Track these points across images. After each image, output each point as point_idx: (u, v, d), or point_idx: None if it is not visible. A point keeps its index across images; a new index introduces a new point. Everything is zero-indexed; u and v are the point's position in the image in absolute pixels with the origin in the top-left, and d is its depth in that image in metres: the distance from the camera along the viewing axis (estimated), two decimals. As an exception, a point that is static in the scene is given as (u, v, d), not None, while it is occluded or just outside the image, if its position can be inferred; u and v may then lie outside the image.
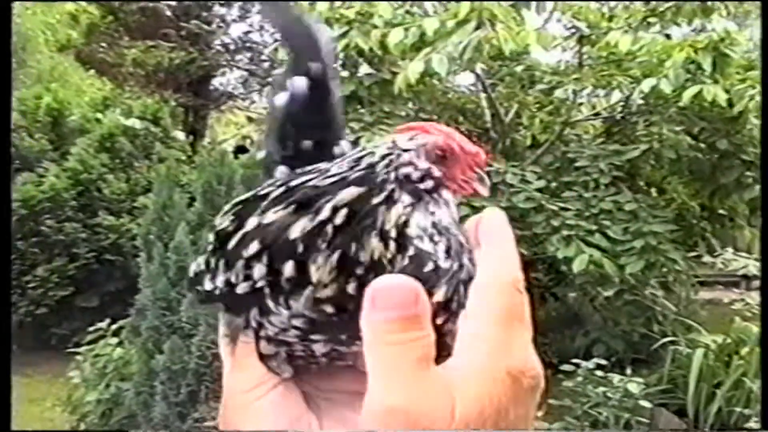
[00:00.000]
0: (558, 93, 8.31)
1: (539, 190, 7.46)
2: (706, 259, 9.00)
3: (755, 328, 7.48)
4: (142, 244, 7.04)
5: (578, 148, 8.44)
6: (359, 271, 0.70)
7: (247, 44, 22.03)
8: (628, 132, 8.70)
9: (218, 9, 22.11)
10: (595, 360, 6.85)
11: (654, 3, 7.88)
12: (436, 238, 0.73)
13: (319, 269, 0.69)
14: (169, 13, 20.74)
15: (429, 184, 0.76)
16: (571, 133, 9.13)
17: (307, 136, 0.88)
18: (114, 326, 7.45)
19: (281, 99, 0.88)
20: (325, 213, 0.70)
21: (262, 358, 0.77)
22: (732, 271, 9.15)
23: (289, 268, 0.70)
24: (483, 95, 9.08)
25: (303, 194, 0.72)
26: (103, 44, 20.68)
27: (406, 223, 0.72)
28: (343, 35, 7.41)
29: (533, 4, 7.51)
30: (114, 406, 6.86)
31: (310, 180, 0.74)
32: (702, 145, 8.11)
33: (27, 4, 17.66)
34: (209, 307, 0.85)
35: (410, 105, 8.82)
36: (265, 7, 0.84)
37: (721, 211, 8.80)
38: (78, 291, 10.61)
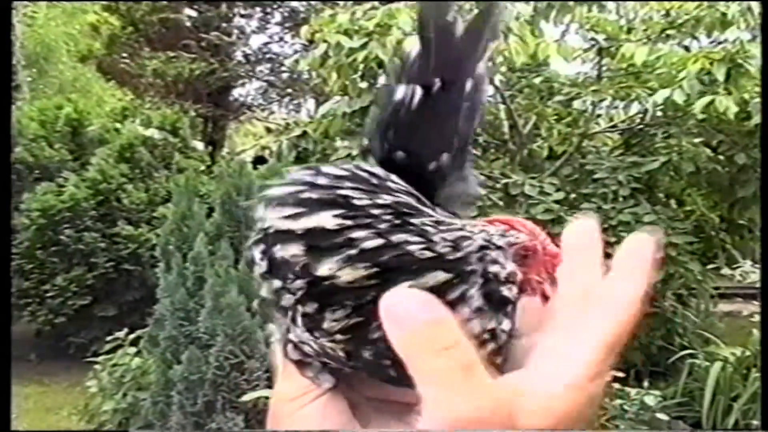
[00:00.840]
0: (576, 105, 8.30)
1: (557, 201, 7.44)
2: (725, 271, 8.96)
3: (775, 341, 7.44)
4: (160, 254, 7.07)
5: (597, 160, 8.42)
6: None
7: (267, 55, 22.17)
8: (646, 144, 8.67)
9: (238, 20, 22.24)
10: (612, 372, 6.82)
11: (673, 15, 7.86)
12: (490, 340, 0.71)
13: (334, 322, 0.69)
14: (189, 24, 20.88)
15: (511, 288, 0.73)
16: (589, 145, 9.11)
17: (403, 148, 0.84)
18: (132, 336, 7.48)
19: (399, 93, 0.83)
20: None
21: (297, 365, 0.75)
22: (751, 284, 9.11)
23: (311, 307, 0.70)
24: (501, 106, 9.08)
25: (398, 261, 0.68)
26: (124, 55, 20.86)
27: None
28: (363, 46, 7.43)
29: (551, 15, 7.51)
30: (131, 415, 6.88)
31: (409, 241, 0.69)
32: (720, 158, 8.08)
33: (49, 15, 17.82)
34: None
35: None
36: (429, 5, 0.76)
37: (741, 222, 8.75)
38: (96, 300, 10.65)
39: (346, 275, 0.67)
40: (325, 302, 0.69)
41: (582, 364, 0.66)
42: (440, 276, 0.68)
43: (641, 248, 0.73)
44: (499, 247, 0.73)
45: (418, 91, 0.81)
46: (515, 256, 0.74)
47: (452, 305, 0.67)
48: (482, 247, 0.72)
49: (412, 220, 0.71)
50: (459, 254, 0.70)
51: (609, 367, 0.67)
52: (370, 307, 0.66)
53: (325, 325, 0.69)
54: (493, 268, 0.71)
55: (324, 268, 0.67)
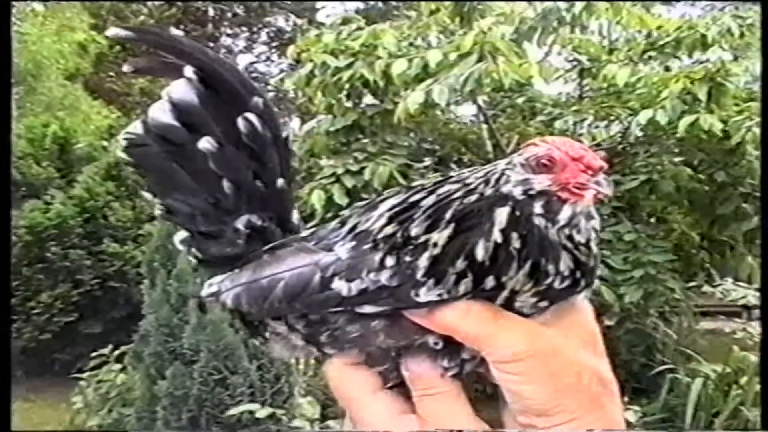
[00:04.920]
0: (558, 124, 8.36)
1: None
2: (707, 289, 9.01)
3: (754, 358, 7.50)
4: (145, 271, 7.09)
5: (579, 179, 8.46)
6: (565, 272, 0.85)
7: (253, 74, 22.22)
8: (629, 163, 8.73)
9: (225, 40, 22.32)
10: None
11: (654, 36, 7.95)
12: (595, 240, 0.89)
13: (512, 279, 0.84)
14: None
15: (536, 194, 0.85)
16: (572, 164, 9.15)
17: (279, 174, 0.99)
18: (117, 352, 7.50)
19: (207, 144, 0.96)
20: (497, 237, 0.83)
21: None
22: (732, 301, 9.17)
23: (490, 282, 0.84)
24: (484, 126, 9.15)
25: (456, 212, 0.85)
26: (111, 74, 20.85)
27: (571, 235, 0.86)
28: (349, 66, 7.50)
29: (535, 37, 7.58)
30: (116, 431, 6.89)
31: (453, 194, 0.86)
32: (701, 176, 8.13)
33: (42, 32, 17.85)
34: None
35: (412, 135, 8.87)
36: (187, 52, 0.99)
37: (722, 238, 8.80)
38: (82, 317, 10.67)
39: (438, 238, 0.85)
40: None
41: None
42: (503, 212, 0.84)
43: None
44: (517, 165, 0.87)
45: (253, 118, 0.97)
46: (536, 167, 0.86)
47: (546, 228, 0.85)
48: (504, 170, 0.87)
49: (440, 179, 0.90)
50: (492, 185, 0.86)
51: None
52: None
53: None
54: (508, 187, 0.86)
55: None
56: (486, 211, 0.84)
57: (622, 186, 7.97)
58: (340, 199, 7.33)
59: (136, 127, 0.98)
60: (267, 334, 0.98)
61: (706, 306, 10.60)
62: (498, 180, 0.86)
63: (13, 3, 17.25)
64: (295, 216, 1.03)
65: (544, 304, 0.87)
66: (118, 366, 7.40)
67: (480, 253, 0.83)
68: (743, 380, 7.44)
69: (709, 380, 7.55)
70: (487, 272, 0.83)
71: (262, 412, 5.38)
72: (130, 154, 1.00)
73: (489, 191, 0.86)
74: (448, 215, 0.84)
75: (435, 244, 0.83)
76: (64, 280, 10.66)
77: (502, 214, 0.84)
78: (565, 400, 0.84)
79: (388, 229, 0.86)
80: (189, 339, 6.25)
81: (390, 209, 0.88)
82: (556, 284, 0.85)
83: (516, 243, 0.83)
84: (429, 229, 0.84)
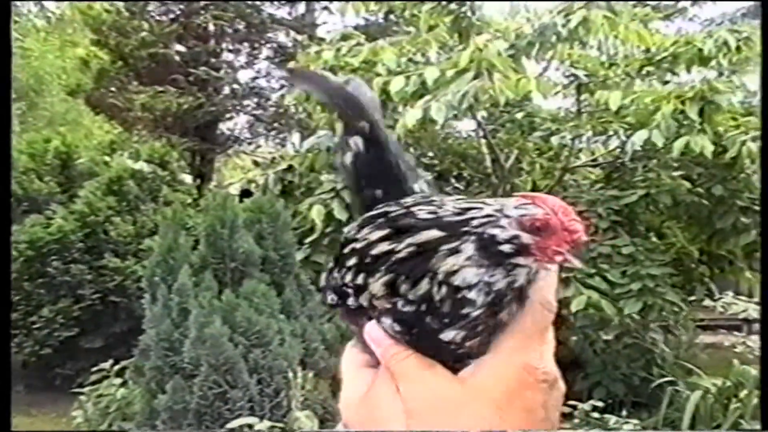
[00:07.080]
0: (557, 139, 8.40)
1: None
2: (708, 303, 9.04)
3: (754, 371, 7.52)
4: (146, 285, 7.10)
5: (577, 194, 8.53)
6: (410, 296, 0.87)
7: (254, 90, 22.27)
8: (627, 178, 8.78)
9: (226, 55, 22.38)
10: (592, 402, 6.89)
11: (653, 51, 7.99)
12: (482, 292, 0.87)
13: (375, 283, 0.88)
14: (178, 59, 20.97)
15: (508, 248, 0.86)
16: (570, 179, 9.22)
17: (376, 185, 1.07)
18: (117, 367, 7.51)
19: (348, 158, 1.08)
20: (401, 245, 0.87)
21: None
22: (732, 315, 9.20)
23: (360, 278, 0.90)
24: (483, 141, 9.19)
25: (406, 222, 0.89)
26: (113, 89, 20.89)
27: (454, 273, 0.86)
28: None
29: (532, 52, 7.63)
30: (115, 445, 6.91)
31: (421, 209, 0.91)
32: (699, 191, 8.18)
33: (44, 47, 17.94)
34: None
35: (411, 150, 8.91)
36: (304, 81, 1.28)
37: (721, 253, 8.83)
38: (83, 332, 10.66)
39: (373, 235, 0.90)
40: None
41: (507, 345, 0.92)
42: (433, 233, 0.87)
43: None
44: (507, 216, 0.87)
45: (358, 140, 1.07)
46: (528, 226, 0.87)
47: (442, 254, 0.86)
48: (489, 215, 0.87)
49: (431, 199, 0.94)
50: (459, 218, 0.87)
51: (534, 345, 0.93)
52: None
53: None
54: (492, 230, 0.86)
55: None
56: (423, 229, 0.88)
57: (621, 200, 8.03)
58: (340, 213, 7.40)
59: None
60: None
61: (707, 320, 10.63)
62: (474, 218, 0.87)
63: (15, 18, 17.37)
64: None
65: (398, 328, 0.89)
66: (119, 380, 7.41)
67: (375, 250, 0.89)
68: (743, 394, 7.45)
69: (708, 394, 7.56)
70: (364, 269, 0.90)
71: (260, 426, 5.40)
72: None
73: (455, 219, 0.87)
74: (398, 223, 0.89)
75: (366, 240, 0.92)
76: (65, 295, 10.66)
77: (430, 234, 0.87)
78: None
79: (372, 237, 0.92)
80: (189, 353, 6.27)
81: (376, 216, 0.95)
82: (399, 305, 0.88)
83: (403, 253, 0.87)
84: (372, 233, 0.92)
